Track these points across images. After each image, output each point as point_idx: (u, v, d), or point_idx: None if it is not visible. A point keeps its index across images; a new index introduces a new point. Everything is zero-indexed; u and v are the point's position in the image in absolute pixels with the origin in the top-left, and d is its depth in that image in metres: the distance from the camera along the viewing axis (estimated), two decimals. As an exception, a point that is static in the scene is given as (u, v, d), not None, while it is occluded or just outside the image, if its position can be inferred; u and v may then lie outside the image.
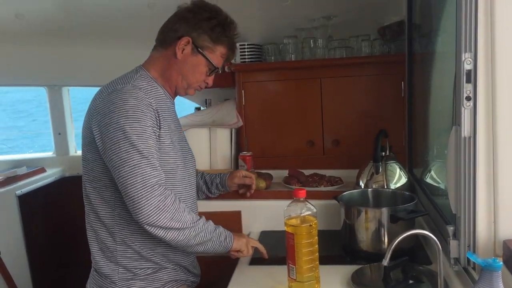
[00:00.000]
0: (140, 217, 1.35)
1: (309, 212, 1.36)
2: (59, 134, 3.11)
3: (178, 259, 1.59)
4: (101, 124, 1.40)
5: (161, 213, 1.36)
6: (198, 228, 1.46)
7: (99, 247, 1.53)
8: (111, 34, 2.79)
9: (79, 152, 3.19)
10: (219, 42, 1.53)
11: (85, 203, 1.56)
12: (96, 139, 1.42)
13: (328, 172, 2.30)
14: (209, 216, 2.04)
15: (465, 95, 1.18)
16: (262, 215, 2.05)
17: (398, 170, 2.03)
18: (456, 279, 1.31)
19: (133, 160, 1.35)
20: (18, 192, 2.63)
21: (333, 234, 1.86)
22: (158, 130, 1.45)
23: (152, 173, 1.37)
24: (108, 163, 1.40)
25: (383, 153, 2.02)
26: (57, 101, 3.07)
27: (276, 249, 1.69)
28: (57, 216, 2.92)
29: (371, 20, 2.45)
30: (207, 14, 1.52)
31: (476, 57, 1.15)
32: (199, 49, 1.52)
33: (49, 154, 3.18)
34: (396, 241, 1.15)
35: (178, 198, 1.45)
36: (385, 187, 1.97)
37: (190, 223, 1.43)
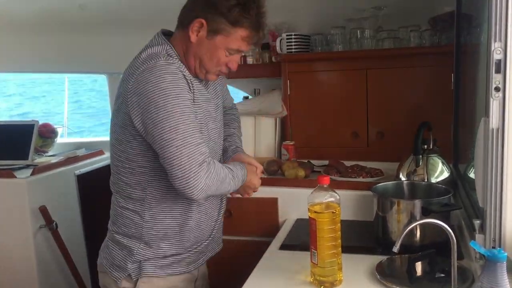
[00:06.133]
0: (190, 195, 1.35)
1: (332, 199, 1.37)
2: (117, 119, 3.27)
3: (201, 243, 1.60)
4: (140, 105, 1.35)
5: (209, 189, 1.37)
6: (235, 183, 1.49)
7: (123, 222, 1.54)
8: (167, 25, 2.90)
9: (136, 137, 3.36)
10: (238, 24, 1.39)
11: (112, 185, 1.57)
12: (134, 121, 1.38)
13: (371, 164, 2.28)
14: (246, 201, 2.10)
15: (494, 85, 1.16)
16: (298, 203, 2.05)
17: (440, 164, 1.98)
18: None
19: (177, 140, 1.32)
20: (77, 172, 2.81)
21: (368, 225, 1.86)
22: (193, 101, 1.42)
23: (198, 150, 1.35)
24: (152, 143, 1.38)
25: (425, 146, 1.98)
26: (116, 88, 3.23)
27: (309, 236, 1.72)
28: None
29: (422, 10, 2.39)
30: None
31: (506, 46, 1.12)
32: (215, 32, 1.40)
33: (108, 138, 3.36)
34: (408, 229, 1.15)
35: (218, 161, 1.47)
36: (426, 181, 1.93)
37: (230, 184, 1.46)
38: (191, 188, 1.34)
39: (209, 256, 1.69)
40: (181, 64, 1.45)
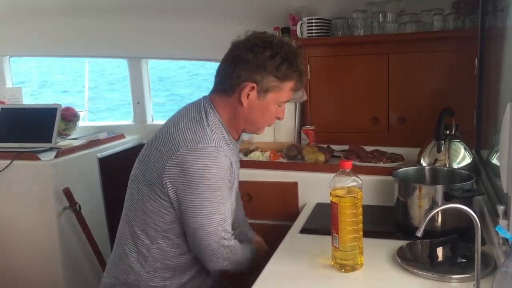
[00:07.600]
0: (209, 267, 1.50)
1: (354, 184, 1.37)
2: (138, 103, 3.30)
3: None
4: (180, 181, 1.37)
5: (226, 267, 1.50)
6: (246, 264, 1.59)
7: (123, 268, 1.53)
8: (187, 9, 2.91)
9: (156, 121, 3.38)
10: (287, 78, 1.43)
11: (124, 224, 1.55)
12: (169, 191, 1.39)
13: (391, 150, 2.27)
14: (266, 186, 2.14)
15: (521, 70, 1.14)
16: (318, 187, 2.07)
17: (462, 149, 1.96)
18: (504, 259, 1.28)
19: (210, 226, 1.40)
20: (99, 155, 2.85)
21: (388, 210, 1.86)
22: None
23: (226, 236, 1.44)
24: (182, 216, 1.42)
25: (447, 132, 1.97)
26: (137, 73, 3.26)
27: (329, 221, 1.72)
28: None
29: (447, -7, 2.35)
30: (268, 52, 1.40)
31: (536, 29, 1.10)
32: (265, 91, 1.43)
33: (129, 122, 3.41)
34: (432, 213, 1.15)
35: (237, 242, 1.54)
36: (447, 166, 1.92)
37: (244, 264, 1.57)
38: (211, 263, 1.47)
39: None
40: (222, 130, 1.47)
